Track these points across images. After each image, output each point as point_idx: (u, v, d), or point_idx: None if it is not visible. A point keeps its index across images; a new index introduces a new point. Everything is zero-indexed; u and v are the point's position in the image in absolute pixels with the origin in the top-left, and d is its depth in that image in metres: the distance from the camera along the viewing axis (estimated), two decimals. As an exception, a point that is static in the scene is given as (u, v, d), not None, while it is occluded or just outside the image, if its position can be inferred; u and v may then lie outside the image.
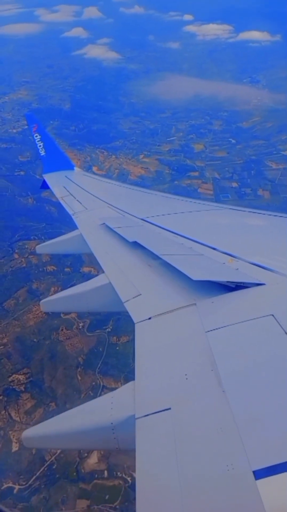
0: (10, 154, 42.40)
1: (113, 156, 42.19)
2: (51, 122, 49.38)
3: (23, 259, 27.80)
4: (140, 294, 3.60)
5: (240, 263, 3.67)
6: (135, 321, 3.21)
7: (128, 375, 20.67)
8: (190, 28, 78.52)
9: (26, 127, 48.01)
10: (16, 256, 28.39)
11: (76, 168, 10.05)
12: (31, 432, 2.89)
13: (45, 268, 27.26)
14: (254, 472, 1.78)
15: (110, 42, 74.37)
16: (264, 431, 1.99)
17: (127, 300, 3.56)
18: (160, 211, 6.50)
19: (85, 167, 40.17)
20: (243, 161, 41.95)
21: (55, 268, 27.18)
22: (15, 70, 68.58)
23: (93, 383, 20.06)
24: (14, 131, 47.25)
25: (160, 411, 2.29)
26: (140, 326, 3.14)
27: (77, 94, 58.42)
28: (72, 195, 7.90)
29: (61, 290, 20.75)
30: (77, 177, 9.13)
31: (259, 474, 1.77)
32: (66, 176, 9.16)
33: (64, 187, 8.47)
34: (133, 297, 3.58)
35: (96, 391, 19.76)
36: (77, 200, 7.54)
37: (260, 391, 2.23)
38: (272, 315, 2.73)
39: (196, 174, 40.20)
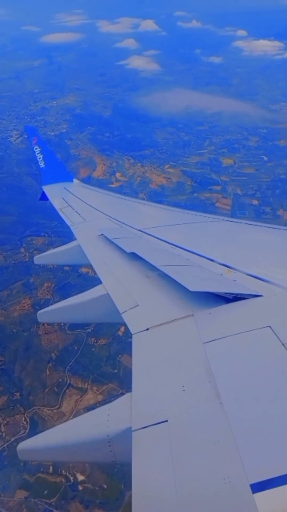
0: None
1: (139, 164, 42.88)
2: (89, 128, 51.52)
3: (27, 254, 29.11)
4: (138, 305, 3.63)
5: (237, 275, 3.69)
6: (132, 332, 3.21)
7: (96, 377, 20.97)
8: (239, 43, 77.87)
9: (64, 130, 50.91)
10: (22, 250, 29.83)
11: (75, 180, 10.25)
12: (26, 445, 2.88)
13: (46, 264, 28.31)
14: (251, 485, 1.77)
15: (155, 54, 75.87)
16: (262, 444, 1.98)
17: (125, 311, 3.58)
18: (158, 222, 6.68)
19: (109, 172, 41.46)
20: (270, 180, 40.75)
21: (55, 266, 28.12)
22: (69, 77, 72.27)
23: (60, 380, 20.50)
24: (52, 133, 49.76)
25: (157, 423, 2.27)
26: (137, 337, 3.14)
27: (121, 103, 60.23)
28: (71, 206, 8.01)
29: (54, 287, 21.50)
30: (76, 189, 9.28)
31: (256, 487, 1.76)
32: (65, 188, 9.31)
33: (63, 198, 8.59)
34: (131, 308, 3.60)
35: (61, 388, 20.21)
36: (75, 211, 7.65)
37: (257, 404, 2.23)
38: (270, 326, 2.74)
39: (218, 188, 39.70)
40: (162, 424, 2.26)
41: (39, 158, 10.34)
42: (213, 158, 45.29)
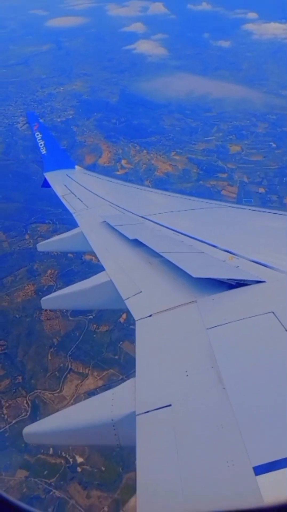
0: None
1: (145, 151, 42.55)
2: (95, 114, 51.06)
3: (31, 240, 29.34)
4: (141, 292, 3.66)
5: (240, 261, 3.72)
6: (135, 319, 3.26)
7: (97, 363, 21.31)
8: (249, 26, 75.80)
9: (71, 117, 50.59)
10: (27, 236, 30.09)
11: (77, 167, 10.17)
12: (31, 428, 2.94)
13: (49, 252, 28.54)
14: (254, 468, 1.80)
15: (163, 38, 74.38)
16: (264, 427, 2.02)
17: (128, 298, 3.61)
18: (160, 209, 6.68)
19: (114, 159, 41.25)
20: (278, 167, 40.13)
21: (58, 253, 28.30)
22: (77, 62, 71.29)
23: (61, 365, 20.90)
24: (59, 120, 49.49)
25: (161, 407, 2.31)
26: (140, 324, 3.18)
27: (128, 89, 59.45)
28: (73, 193, 7.98)
29: (57, 274, 21.79)
30: (78, 176, 9.24)
31: (259, 470, 1.79)
32: (67, 175, 9.26)
33: (65, 185, 8.55)
34: (134, 295, 3.63)
35: (62, 373, 20.60)
36: (78, 198, 7.63)
37: (260, 388, 2.26)
38: (273, 312, 2.77)
39: (225, 176, 39.27)
40: (165, 408, 2.30)
41: (41, 144, 10.29)
42: (220, 145, 44.66)
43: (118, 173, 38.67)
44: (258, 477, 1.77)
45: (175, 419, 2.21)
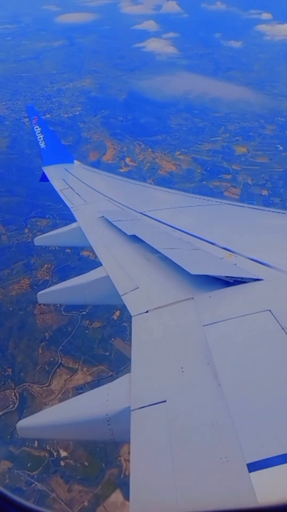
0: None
1: (150, 150, 42.45)
2: (102, 111, 51.11)
3: (30, 235, 29.48)
4: (138, 288, 3.67)
5: (238, 259, 3.74)
6: (132, 314, 3.27)
7: (88, 358, 21.35)
8: (262, 27, 75.01)
9: (78, 113, 50.69)
10: (26, 230, 30.25)
11: (75, 161, 10.15)
12: (26, 422, 2.93)
13: (47, 246, 28.62)
14: (248, 464, 1.81)
15: (174, 37, 74.01)
16: (259, 424, 2.03)
17: (125, 293, 3.63)
18: (159, 205, 6.69)
19: (118, 156, 41.26)
20: (283, 170, 39.75)
21: (56, 248, 28.38)
22: (88, 59, 71.35)
23: (51, 359, 20.99)
24: (65, 115, 49.65)
25: (156, 403, 2.32)
26: (137, 319, 3.19)
27: (137, 87, 59.34)
28: (71, 188, 7.98)
29: (54, 268, 21.91)
30: (77, 170, 9.21)
31: (253, 466, 1.80)
32: (65, 169, 9.24)
33: (63, 180, 8.55)
34: (131, 290, 3.64)
35: (52, 367, 20.68)
36: (76, 193, 7.63)
37: (255, 386, 2.27)
38: (270, 310, 2.79)
39: (229, 177, 39.04)
40: (160, 404, 2.30)
41: (40, 138, 10.25)
42: (226, 146, 44.38)
43: (122, 170, 38.65)
44: (251, 474, 1.77)
45: (170, 415, 2.21)
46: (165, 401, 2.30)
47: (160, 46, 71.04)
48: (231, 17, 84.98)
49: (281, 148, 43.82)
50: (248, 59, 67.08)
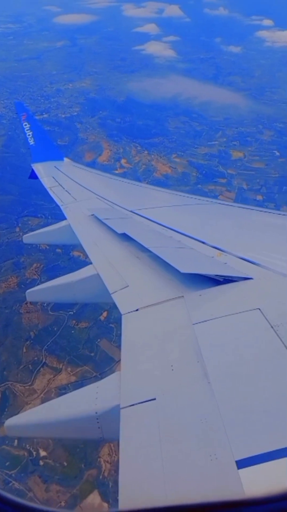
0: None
1: (146, 152, 42.47)
2: (100, 112, 51.14)
3: (21, 233, 29.27)
4: (128, 286, 3.66)
5: (228, 257, 3.74)
6: (122, 313, 3.27)
7: (72, 359, 21.19)
8: (263, 33, 75.37)
9: (75, 113, 50.66)
10: (17, 229, 30.15)
11: (65, 159, 10.07)
12: (14, 421, 2.91)
13: (38, 245, 28.47)
14: (236, 461, 1.82)
15: (175, 40, 74.31)
16: (248, 422, 2.04)
17: (115, 292, 3.62)
18: (150, 203, 6.68)
19: (114, 158, 41.24)
20: (279, 175, 39.77)
21: (47, 247, 28.27)
22: (89, 60, 71.49)
23: (36, 358, 20.84)
24: (63, 116, 49.65)
25: (145, 401, 2.31)
26: (127, 318, 3.20)
27: (137, 89, 59.41)
28: (61, 185, 7.91)
29: (43, 268, 21.68)
30: (67, 168, 9.16)
31: (242, 463, 1.81)
32: (55, 167, 9.17)
33: (53, 177, 8.48)
34: (121, 289, 3.64)
35: (36, 366, 20.52)
36: (66, 190, 7.58)
37: (244, 383, 2.28)
38: (259, 309, 2.81)
39: (224, 181, 39.04)
40: (150, 402, 2.29)
41: (29, 135, 10.15)
42: (223, 150, 44.40)
43: (117, 172, 38.57)
44: (240, 470, 1.78)
45: (160, 412, 2.21)
46: (154, 399, 2.30)
47: (159, 49, 71.35)
48: (232, 23, 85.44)
49: (278, 154, 43.86)
50: (249, 64, 67.29)
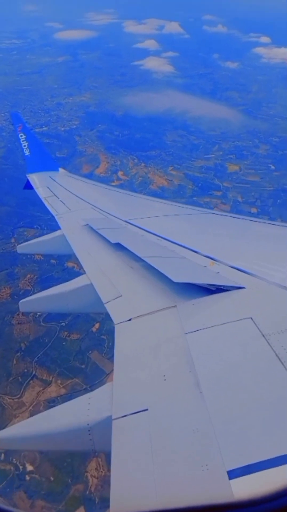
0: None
1: (143, 164, 42.92)
2: (99, 125, 51.85)
3: (16, 244, 29.39)
4: (121, 296, 3.69)
5: (221, 267, 3.77)
6: (115, 322, 3.28)
7: (63, 371, 21.11)
8: (260, 50, 76.89)
9: (75, 126, 51.31)
10: (12, 240, 30.30)
11: (60, 169, 10.14)
12: (4, 433, 2.90)
13: (33, 256, 28.60)
14: (228, 472, 1.82)
15: (173, 56, 75.78)
16: (239, 431, 2.04)
17: (108, 301, 3.64)
18: (143, 213, 6.69)
19: (111, 170, 41.66)
20: (273, 189, 40.14)
21: (41, 258, 28.42)
22: (90, 75, 72.69)
23: (25, 370, 20.75)
24: (62, 129, 50.35)
25: (137, 412, 2.31)
26: (120, 327, 3.20)
27: (135, 103, 60.29)
28: (56, 195, 7.94)
29: (36, 279, 21.66)
30: (62, 178, 9.22)
31: (233, 474, 1.81)
32: (50, 177, 9.21)
33: (48, 187, 8.52)
34: (114, 298, 3.66)
35: (25, 378, 20.44)
36: (60, 200, 7.59)
37: (236, 393, 2.28)
38: (251, 318, 2.82)
39: (219, 193, 39.38)
40: (142, 412, 2.29)
41: (24, 145, 10.25)
42: (219, 163, 44.88)
43: (113, 184, 38.92)
44: (232, 481, 1.78)
45: (152, 423, 2.21)
46: (147, 409, 2.30)
47: (158, 64, 72.74)
48: (230, 39, 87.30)
49: (273, 167, 44.32)
50: (246, 80, 68.44)
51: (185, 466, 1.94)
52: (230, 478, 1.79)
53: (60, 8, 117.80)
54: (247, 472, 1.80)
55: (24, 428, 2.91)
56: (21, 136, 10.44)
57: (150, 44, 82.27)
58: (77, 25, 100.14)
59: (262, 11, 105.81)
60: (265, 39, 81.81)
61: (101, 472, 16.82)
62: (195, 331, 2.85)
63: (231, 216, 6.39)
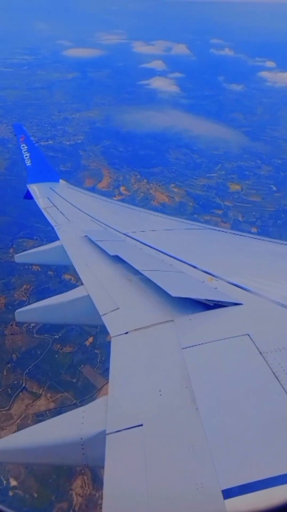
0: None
1: (145, 180, 43.28)
2: (104, 141, 52.55)
3: (15, 254, 29.45)
4: (118, 308, 3.67)
5: (219, 283, 3.76)
6: (111, 335, 3.26)
7: (53, 384, 20.82)
8: (264, 74, 78.52)
9: (80, 141, 51.99)
10: (11, 250, 30.35)
11: (61, 180, 10.26)
12: None
13: (30, 267, 28.59)
14: (223, 491, 1.79)
15: (179, 77, 77.51)
16: (235, 450, 2.00)
17: (105, 314, 3.62)
18: (143, 227, 6.72)
19: (113, 185, 42.02)
20: (274, 210, 40.28)
21: (39, 269, 28.38)
22: (98, 92, 74.22)
23: (15, 382, 20.47)
24: (67, 143, 51.09)
25: (132, 427, 2.28)
26: (116, 340, 3.18)
27: (141, 121, 61.28)
28: (55, 206, 7.98)
29: (32, 289, 21.58)
30: (62, 189, 9.27)
31: (228, 493, 1.78)
32: (50, 188, 9.29)
33: (48, 198, 8.57)
34: (111, 311, 3.64)
35: (15, 390, 20.14)
36: (60, 211, 7.63)
37: (232, 410, 2.26)
38: (248, 334, 2.80)
39: (220, 212, 39.53)
40: (137, 428, 2.25)
41: (26, 156, 10.38)
42: (221, 182, 45.21)
43: (115, 198, 39.21)
44: (226, 501, 1.74)
45: (146, 439, 2.16)
46: (141, 425, 2.26)
47: (164, 84, 74.36)
48: (236, 63, 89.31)
49: (275, 188, 44.59)
50: (250, 102, 69.69)
51: (179, 483, 1.91)
52: (224, 498, 1.76)
53: (71, 27, 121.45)
54: (242, 492, 1.77)
55: (15, 441, 2.84)
56: (23, 146, 10.59)
57: (157, 65, 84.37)
58: (87, 43, 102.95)
59: (269, 36, 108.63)
60: (270, 63, 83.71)
61: (87, 490, 16.38)
62: (192, 346, 2.84)
63: (230, 233, 6.46)
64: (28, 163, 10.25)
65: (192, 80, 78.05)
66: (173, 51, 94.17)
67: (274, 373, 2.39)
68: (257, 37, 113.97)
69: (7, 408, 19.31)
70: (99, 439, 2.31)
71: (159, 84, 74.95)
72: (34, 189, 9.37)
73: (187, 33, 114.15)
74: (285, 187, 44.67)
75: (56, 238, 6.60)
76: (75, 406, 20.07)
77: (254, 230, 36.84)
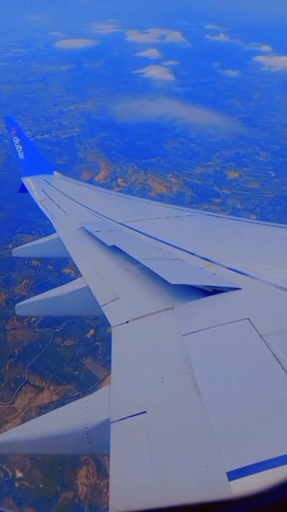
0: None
1: (142, 171, 43.08)
2: (100, 133, 52.22)
3: (13, 249, 29.58)
4: (118, 298, 3.69)
5: (217, 268, 3.78)
6: (112, 325, 3.27)
7: (56, 377, 21.01)
8: (260, 58, 77.40)
9: (76, 134, 51.63)
10: (10, 245, 30.41)
11: (55, 172, 10.14)
12: (2, 437, 2.87)
13: (30, 262, 28.70)
14: (227, 473, 1.82)
15: (174, 65, 76.54)
16: (238, 433, 2.04)
17: (105, 304, 3.63)
18: (139, 216, 6.72)
19: (111, 177, 41.83)
20: (273, 196, 40.10)
21: (38, 264, 28.48)
22: (93, 83, 73.49)
23: (18, 376, 20.68)
24: (63, 136, 50.76)
25: (136, 414, 2.31)
26: (117, 330, 3.20)
27: (136, 111, 60.75)
28: (51, 199, 7.93)
29: (32, 284, 21.68)
30: (57, 181, 9.21)
31: (233, 475, 1.82)
32: (45, 180, 9.22)
33: (43, 190, 8.52)
34: (111, 301, 3.66)
35: (18, 384, 20.35)
36: (56, 204, 7.59)
37: (234, 394, 2.28)
38: (248, 318, 2.82)
39: (218, 200, 39.38)
40: (140, 415, 2.28)
41: (18, 149, 10.32)
42: (219, 170, 44.96)
43: (113, 190, 39.11)
44: (231, 482, 1.78)
45: (150, 426, 2.20)
46: (145, 412, 2.29)
47: (158, 72, 73.48)
48: (232, 48, 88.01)
49: (273, 174, 44.32)
50: (247, 88, 68.87)
51: (184, 468, 1.94)
52: (229, 480, 1.78)
53: (64, 18, 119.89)
54: (247, 473, 1.79)
55: (21, 432, 2.87)
56: (15, 139, 10.50)
57: (152, 53, 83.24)
58: (81, 34, 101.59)
59: (264, 19, 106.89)
60: (266, 47, 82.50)
61: (91, 480, 16.63)
62: (192, 332, 2.85)
63: (227, 218, 6.39)
64: (21, 156, 10.19)
65: (187, 67, 77.05)
66: (168, 38, 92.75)
67: (274, 355, 2.41)
68: (252, 21, 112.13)
69: (10, 401, 19.55)
70: (104, 427, 2.34)
71: (154, 72, 74.07)
72: (29, 182, 9.31)
73: (181, 20, 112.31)
74: (284, 173, 44.39)
75: (54, 232, 6.60)
76: (78, 398, 20.20)
77: (253, 217, 36.65)
